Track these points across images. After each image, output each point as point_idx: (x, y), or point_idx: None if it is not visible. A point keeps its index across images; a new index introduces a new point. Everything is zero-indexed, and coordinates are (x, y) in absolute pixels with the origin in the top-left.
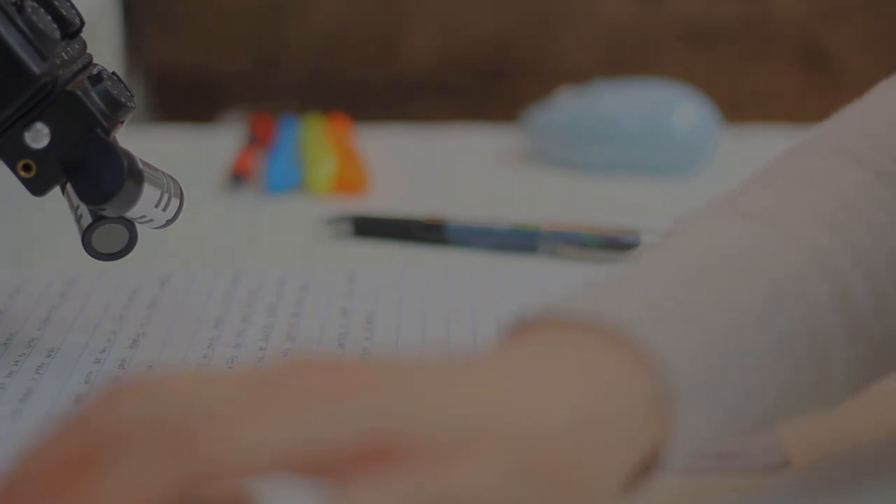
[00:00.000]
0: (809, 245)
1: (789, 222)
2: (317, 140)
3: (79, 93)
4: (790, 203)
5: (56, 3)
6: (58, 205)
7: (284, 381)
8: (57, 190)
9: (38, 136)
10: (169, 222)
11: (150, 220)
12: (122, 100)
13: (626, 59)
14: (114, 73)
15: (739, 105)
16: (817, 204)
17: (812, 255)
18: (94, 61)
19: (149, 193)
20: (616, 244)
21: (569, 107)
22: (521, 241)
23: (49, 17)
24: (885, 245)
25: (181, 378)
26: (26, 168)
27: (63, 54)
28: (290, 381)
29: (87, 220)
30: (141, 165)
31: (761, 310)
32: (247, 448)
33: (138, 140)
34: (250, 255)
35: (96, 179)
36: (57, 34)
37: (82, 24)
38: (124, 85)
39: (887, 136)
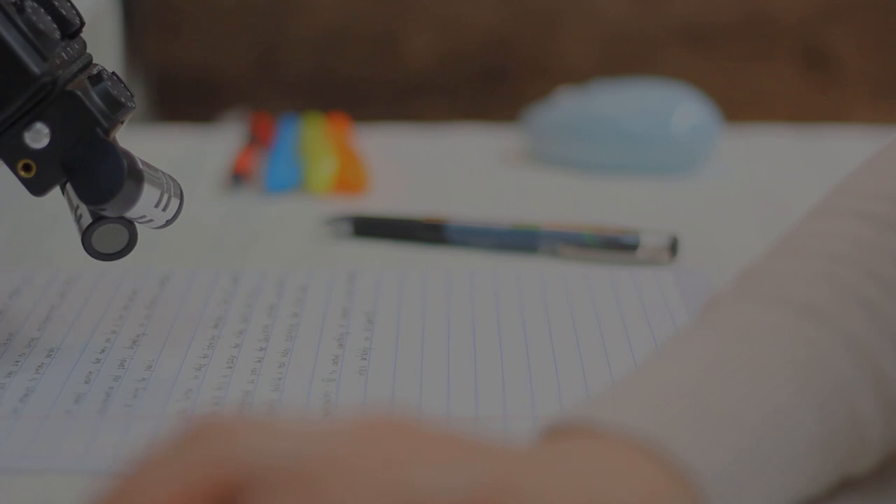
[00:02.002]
0: (841, 329)
1: (814, 304)
2: (317, 140)
3: (79, 93)
4: (815, 281)
5: (56, 3)
6: (58, 205)
7: (395, 436)
8: (57, 190)
9: (38, 136)
10: (169, 222)
11: (150, 220)
12: (122, 100)
13: (626, 59)
14: (114, 73)
15: (739, 105)
16: (844, 277)
17: (844, 339)
18: (94, 61)
19: (149, 193)
20: (616, 244)
21: (569, 107)
22: (521, 241)
23: (49, 17)
24: None
25: (290, 423)
26: (26, 168)
27: (63, 54)
28: (401, 436)
29: (87, 220)
30: (141, 165)
31: (790, 404)
32: (371, 499)
33: (138, 140)
34: (250, 255)
35: (96, 179)
36: (57, 34)
37: (82, 24)
38: (124, 85)
39: None
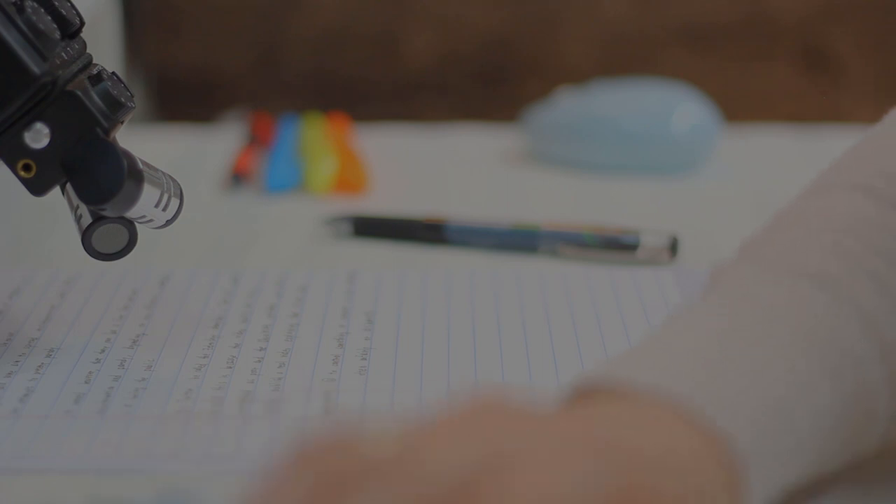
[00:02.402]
0: (850, 302)
1: (823, 277)
2: (317, 140)
3: (79, 93)
4: (822, 253)
5: (56, 3)
6: (58, 205)
7: (540, 432)
8: (57, 190)
9: (38, 136)
10: (169, 222)
11: (150, 220)
12: (122, 100)
13: (626, 59)
14: (114, 73)
15: (739, 105)
16: (848, 250)
17: (853, 312)
18: (94, 61)
19: (149, 193)
20: (616, 244)
21: (569, 107)
22: (521, 241)
23: (49, 17)
24: None
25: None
26: (26, 168)
27: (63, 54)
28: (548, 432)
29: (87, 220)
30: (141, 165)
31: (810, 376)
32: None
33: (138, 140)
34: (250, 255)
35: (96, 179)
36: (57, 34)
37: (82, 24)
38: (124, 85)
39: None
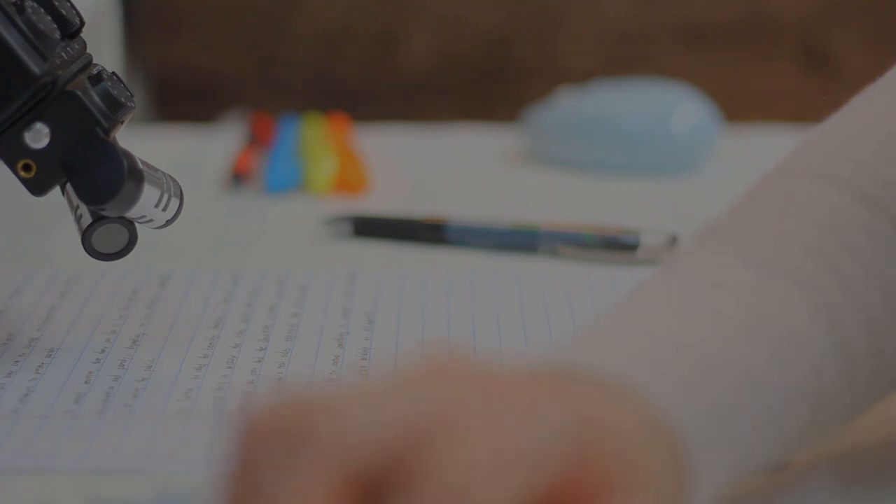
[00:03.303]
0: (805, 287)
1: (788, 266)
2: (317, 140)
3: (79, 93)
4: (781, 240)
5: (56, 3)
6: (58, 205)
7: (474, 383)
8: (57, 190)
9: (38, 136)
10: (169, 222)
11: (150, 220)
12: (122, 100)
13: (626, 59)
14: (114, 73)
15: (739, 105)
16: (807, 238)
17: (807, 299)
18: (94, 61)
19: (149, 193)
20: (616, 244)
21: (569, 107)
22: (521, 241)
23: (49, 17)
24: (878, 277)
25: (364, 388)
26: (26, 168)
27: (63, 54)
28: (477, 382)
29: (87, 220)
30: (141, 165)
31: (766, 366)
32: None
33: (138, 140)
34: (250, 255)
35: (96, 179)
36: (57, 34)
37: (82, 24)
38: (124, 85)
39: (874, 160)
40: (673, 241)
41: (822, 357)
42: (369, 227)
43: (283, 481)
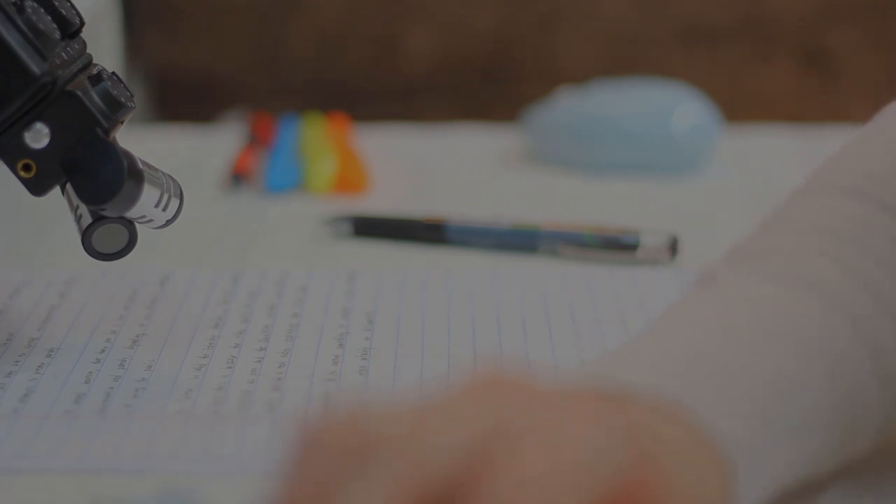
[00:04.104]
0: (836, 300)
1: (813, 278)
2: (317, 140)
3: (79, 93)
4: (810, 255)
5: (56, 3)
6: (58, 205)
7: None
8: (57, 190)
9: (38, 136)
10: (169, 222)
11: (150, 220)
12: (122, 100)
13: (626, 59)
14: (114, 73)
15: (739, 105)
16: (836, 251)
17: (842, 313)
18: (94, 61)
19: (149, 193)
20: (616, 244)
21: (569, 107)
22: (521, 241)
23: (49, 17)
24: None
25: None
26: (26, 168)
27: (63, 54)
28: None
29: (87, 220)
30: (141, 165)
31: (800, 374)
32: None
33: (138, 140)
34: (250, 255)
35: (96, 179)
36: (57, 34)
37: (82, 24)
38: (124, 85)
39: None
40: (673, 241)
41: (858, 368)
42: (369, 227)
43: (350, 497)
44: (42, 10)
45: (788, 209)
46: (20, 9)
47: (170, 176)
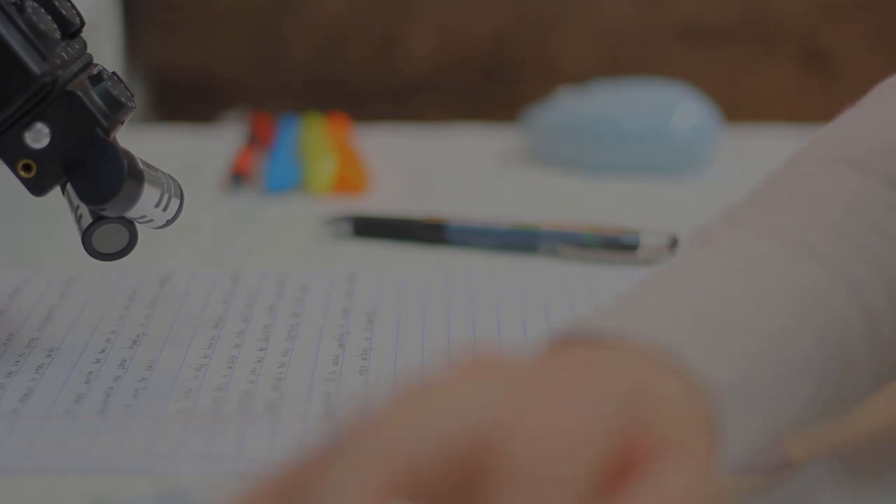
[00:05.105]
0: (830, 262)
1: (808, 239)
2: (317, 140)
3: (79, 93)
4: (805, 218)
5: (56, 3)
6: (58, 205)
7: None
8: (57, 190)
9: (38, 136)
10: (169, 222)
11: (150, 220)
12: (123, 100)
13: (626, 59)
14: (114, 73)
15: (739, 105)
16: (830, 216)
17: (836, 274)
18: (95, 61)
19: (149, 193)
20: (616, 244)
21: (569, 107)
22: (521, 241)
23: (49, 17)
24: None
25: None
26: (26, 168)
27: (63, 54)
28: (547, 376)
29: (87, 220)
30: (141, 165)
31: (791, 328)
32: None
33: (138, 140)
34: (250, 255)
35: (96, 179)
36: (57, 34)
37: (82, 24)
38: (124, 85)
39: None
40: (673, 241)
41: (849, 326)
42: (369, 227)
43: (329, 481)
44: (42, 10)
45: (782, 176)
46: (20, 9)
47: (170, 176)
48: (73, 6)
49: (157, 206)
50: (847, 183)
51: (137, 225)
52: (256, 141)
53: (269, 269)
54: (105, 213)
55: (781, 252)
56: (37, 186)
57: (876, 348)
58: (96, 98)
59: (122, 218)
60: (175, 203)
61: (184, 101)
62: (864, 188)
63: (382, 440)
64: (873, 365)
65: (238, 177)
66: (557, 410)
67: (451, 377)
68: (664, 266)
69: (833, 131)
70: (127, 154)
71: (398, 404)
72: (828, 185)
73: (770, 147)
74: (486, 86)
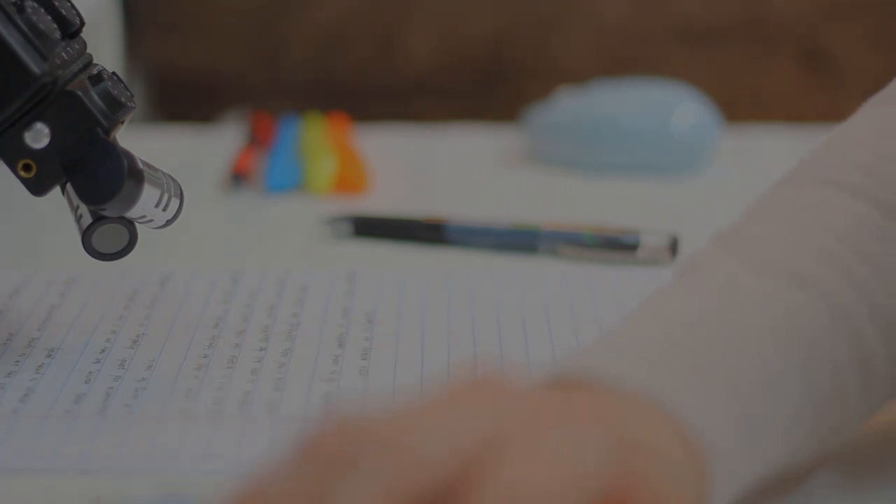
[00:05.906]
0: (819, 292)
1: (797, 268)
2: (317, 140)
3: (79, 93)
4: (792, 245)
5: (56, 3)
6: (58, 205)
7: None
8: (57, 190)
9: (38, 136)
10: (169, 222)
11: (150, 220)
12: (122, 100)
13: (626, 59)
14: (114, 73)
15: (739, 105)
16: (823, 243)
17: (827, 307)
18: (94, 61)
19: (149, 193)
20: (616, 244)
21: (569, 107)
22: (521, 241)
23: (49, 17)
24: (889, 279)
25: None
26: (26, 168)
27: (63, 54)
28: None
29: (87, 220)
30: (141, 165)
31: (786, 373)
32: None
33: (138, 140)
34: (250, 255)
35: (96, 179)
36: (57, 34)
37: (82, 24)
38: (124, 85)
39: (885, 166)
40: (673, 241)
41: (837, 357)
42: (369, 227)
43: (337, 498)
44: (42, 10)
45: (774, 199)
46: (20, 9)
47: (170, 176)
48: (73, 6)
49: (157, 206)
50: (838, 207)
51: (137, 225)
52: (256, 141)
53: (269, 269)
54: (105, 213)
55: (767, 285)
56: (37, 186)
57: (867, 384)
58: (96, 98)
59: (122, 218)
60: (175, 203)
61: (184, 101)
62: (854, 213)
63: (389, 462)
64: (865, 393)
65: (238, 177)
66: (546, 457)
67: (454, 397)
68: (654, 299)
69: (823, 152)
70: (127, 154)
71: (402, 424)
72: (818, 211)
73: (770, 147)
74: (486, 86)
